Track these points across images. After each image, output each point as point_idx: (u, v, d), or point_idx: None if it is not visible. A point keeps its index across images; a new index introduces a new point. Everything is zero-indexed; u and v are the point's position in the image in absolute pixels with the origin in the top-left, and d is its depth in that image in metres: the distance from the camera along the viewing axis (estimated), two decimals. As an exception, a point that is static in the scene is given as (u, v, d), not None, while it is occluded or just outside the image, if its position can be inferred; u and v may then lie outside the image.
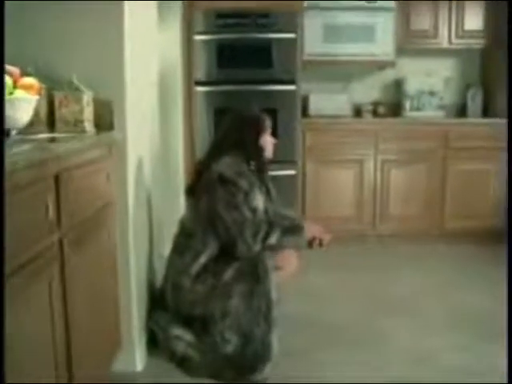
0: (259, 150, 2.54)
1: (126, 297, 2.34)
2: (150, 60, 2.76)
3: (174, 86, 3.78)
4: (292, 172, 4.23)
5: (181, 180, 3.64)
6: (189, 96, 4.02)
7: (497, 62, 4.61)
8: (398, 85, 4.78)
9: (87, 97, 2.10)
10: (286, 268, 2.51)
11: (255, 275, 2.36)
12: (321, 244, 2.61)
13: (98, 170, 2.05)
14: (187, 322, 2.43)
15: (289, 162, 4.19)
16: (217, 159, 2.46)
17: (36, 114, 1.92)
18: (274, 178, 2.79)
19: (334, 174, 4.34)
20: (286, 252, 2.54)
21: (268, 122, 2.60)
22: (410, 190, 4.37)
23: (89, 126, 2.10)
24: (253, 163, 2.53)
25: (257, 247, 2.39)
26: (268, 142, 2.59)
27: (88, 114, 2.11)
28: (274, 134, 2.69)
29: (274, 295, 2.37)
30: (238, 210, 2.38)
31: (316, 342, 2.73)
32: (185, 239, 2.49)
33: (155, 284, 2.77)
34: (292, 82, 4.15)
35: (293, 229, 2.55)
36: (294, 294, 3.05)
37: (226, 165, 2.43)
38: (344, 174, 4.35)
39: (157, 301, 2.61)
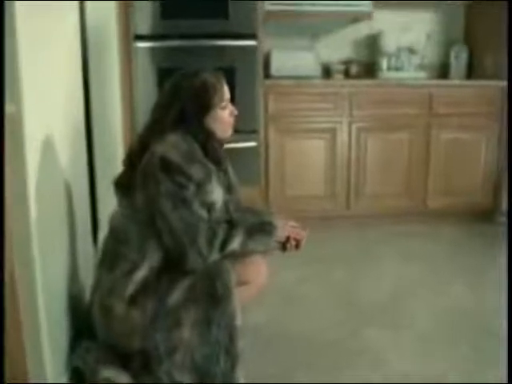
0: (205, 132, 1.87)
1: (31, 329, 1.68)
2: (64, 5, 2.06)
3: (108, 42, 3.06)
4: (252, 144, 3.66)
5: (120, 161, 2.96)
6: (127, 54, 3.33)
7: (484, 16, 4.08)
8: (373, 41, 4.20)
9: (-44, 50, 1.41)
10: (255, 282, 1.91)
11: (212, 295, 1.76)
12: (297, 245, 2.00)
13: (-25, 161, 1.38)
14: (123, 358, 1.82)
15: (248, 132, 3.60)
16: (159, 137, 1.81)
17: None
18: (232, 151, 2.17)
19: (302, 145, 3.77)
20: (252, 260, 1.93)
21: (222, 91, 1.89)
22: (388, 163, 3.84)
23: (-41, 94, 1.42)
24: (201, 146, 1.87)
25: (214, 256, 1.77)
26: (222, 118, 1.91)
27: (-42, 76, 1.42)
28: (232, 99, 2.01)
29: (238, 321, 1.78)
30: (187, 206, 1.75)
31: (290, 365, 2.17)
32: (116, 247, 1.85)
33: (83, 300, 2.13)
34: (252, 37, 3.53)
35: (261, 228, 1.90)
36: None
37: (171, 145, 1.78)
38: (313, 146, 3.78)
39: (85, 324, 1.98)
